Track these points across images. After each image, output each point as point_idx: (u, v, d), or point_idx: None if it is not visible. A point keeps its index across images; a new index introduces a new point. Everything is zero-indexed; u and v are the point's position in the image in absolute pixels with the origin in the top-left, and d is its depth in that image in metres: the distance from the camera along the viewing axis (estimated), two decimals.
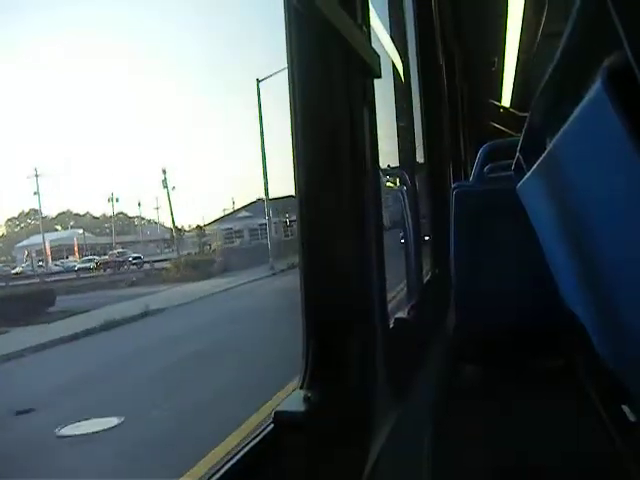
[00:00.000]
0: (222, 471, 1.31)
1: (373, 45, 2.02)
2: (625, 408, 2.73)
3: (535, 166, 2.18)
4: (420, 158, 4.42)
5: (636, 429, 2.64)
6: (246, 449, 1.40)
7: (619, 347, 2.13)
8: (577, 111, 1.26)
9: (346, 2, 1.70)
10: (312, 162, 1.71)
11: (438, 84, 5.09)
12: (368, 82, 1.94)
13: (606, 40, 0.98)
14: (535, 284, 3.78)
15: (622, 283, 1.58)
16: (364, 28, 1.92)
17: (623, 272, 1.55)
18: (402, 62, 3.75)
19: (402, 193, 3.51)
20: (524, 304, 4.11)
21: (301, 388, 1.68)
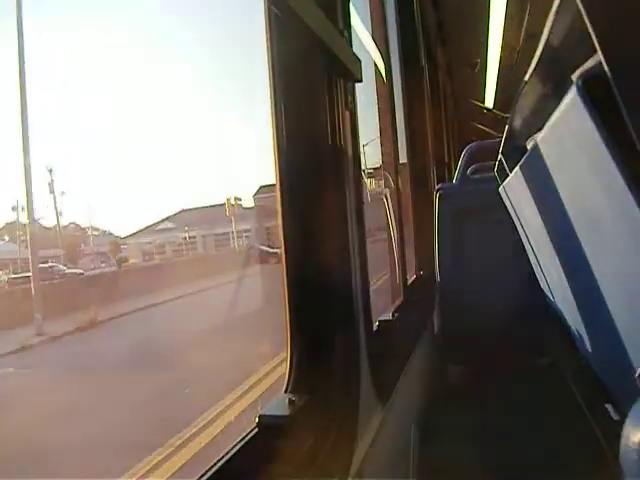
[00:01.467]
0: (206, 476, 1.31)
1: (355, 47, 2.03)
2: (609, 407, 2.74)
3: (517, 167, 2.20)
4: (403, 160, 4.43)
5: (619, 427, 2.65)
6: (230, 453, 1.41)
7: (600, 347, 2.15)
8: (555, 115, 1.28)
9: (327, 8, 1.71)
10: (294, 167, 1.72)
11: (421, 86, 5.11)
12: (350, 87, 1.94)
13: (583, 44, 0.99)
14: (519, 284, 3.81)
15: (603, 284, 1.60)
16: (345, 33, 1.93)
17: (603, 273, 1.57)
18: (384, 64, 3.76)
19: (385, 195, 3.52)
20: (509, 305, 4.13)
21: (285, 392, 1.68)
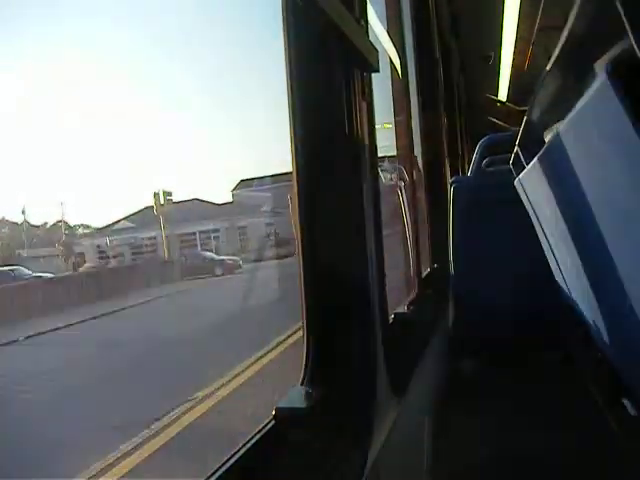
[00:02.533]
0: (224, 467, 1.31)
1: (371, 38, 2.01)
2: (625, 402, 2.72)
3: (535, 159, 2.18)
4: (418, 153, 4.42)
5: (636, 422, 2.63)
6: (248, 445, 1.40)
7: (618, 341, 2.13)
8: (580, 103, 1.25)
9: None
10: (311, 157, 1.71)
11: (435, 78, 5.08)
12: (366, 77, 1.93)
13: (608, 34, 0.97)
14: (534, 278, 3.78)
15: (621, 277, 1.58)
16: (362, 22, 1.91)
17: (622, 266, 1.55)
18: (399, 56, 3.74)
19: (400, 188, 3.51)
20: (523, 298, 4.11)
21: (302, 384, 1.67)
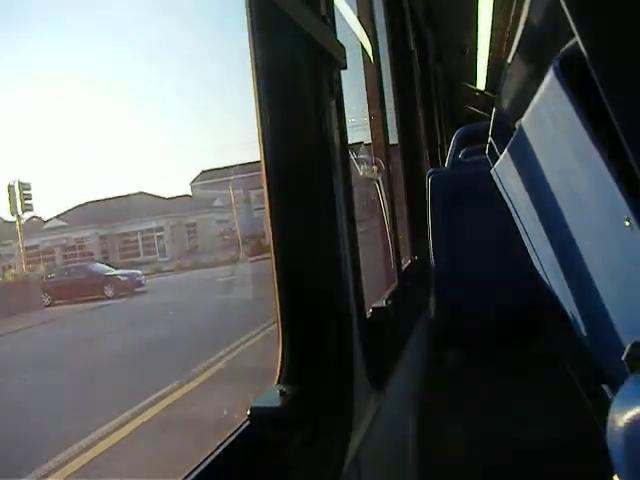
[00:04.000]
0: (200, 468, 1.31)
1: (341, 33, 2.02)
2: (605, 388, 2.75)
3: (505, 149, 2.19)
4: (395, 144, 4.42)
5: None
6: (223, 446, 1.40)
7: (594, 328, 2.15)
8: (535, 97, 1.27)
9: None
10: (281, 157, 1.71)
11: (410, 70, 5.09)
12: (334, 74, 1.93)
13: (564, 26, 0.98)
14: (515, 267, 3.79)
15: (590, 266, 1.59)
16: (328, 20, 1.91)
17: (590, 255, 1.56)
18: (372, 47, 3.73)
19: (377, 181, 3.51)
20: (505, 288, 4.12)
21: (278, 383, 1.68)
